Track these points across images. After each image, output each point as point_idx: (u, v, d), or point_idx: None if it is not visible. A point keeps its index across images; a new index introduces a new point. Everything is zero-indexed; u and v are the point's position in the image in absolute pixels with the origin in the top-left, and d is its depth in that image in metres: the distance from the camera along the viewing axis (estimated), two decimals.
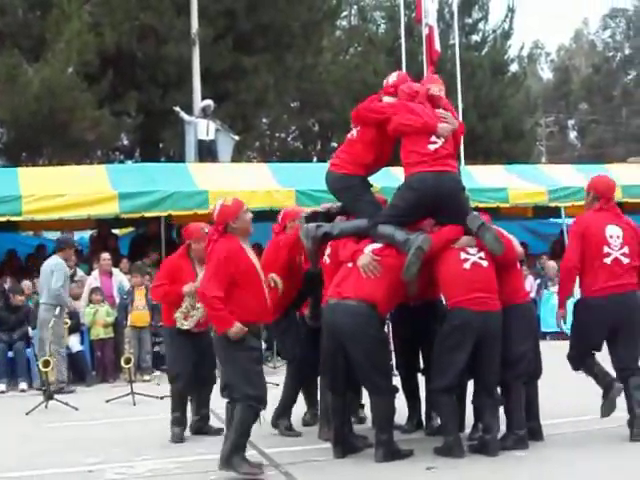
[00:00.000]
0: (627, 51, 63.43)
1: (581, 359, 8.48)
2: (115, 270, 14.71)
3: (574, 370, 8.49)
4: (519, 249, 8.22)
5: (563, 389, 10.04)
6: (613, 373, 8.22)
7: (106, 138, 22.83)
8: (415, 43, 27.72)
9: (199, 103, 21.11)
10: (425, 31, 22.52)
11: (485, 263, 7.74)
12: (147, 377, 13.30)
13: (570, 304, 8.54)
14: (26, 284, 14.18)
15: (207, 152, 19.52)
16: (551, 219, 19.80)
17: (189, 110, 20.99)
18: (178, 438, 8.84)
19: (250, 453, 8.10)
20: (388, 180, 10.93)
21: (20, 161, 21.75)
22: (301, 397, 9.26)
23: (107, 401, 11.22)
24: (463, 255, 7.75)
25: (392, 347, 8.85)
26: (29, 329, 12.70)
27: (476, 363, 7.66)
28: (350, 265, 7.76)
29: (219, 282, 7.14)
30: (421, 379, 8.67)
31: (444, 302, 8.14)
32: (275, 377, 12.40)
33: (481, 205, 14.72)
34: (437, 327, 8.12)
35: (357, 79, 26.86)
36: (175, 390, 9.04)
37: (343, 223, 8.20)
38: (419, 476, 7.08)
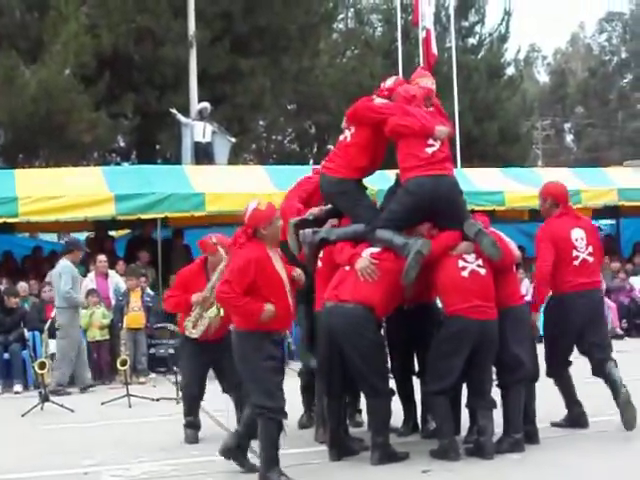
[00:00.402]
0: (623, 55, 63.51)
1: (558, 366, 8.64)
2: (111, 272, 14.70)
3: (548, 376, 8.50)
4: (516, 253, 8.23)
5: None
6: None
7: (103, 140, 22.80)
8: (412, 46, 27.82)
9: (196, 105, 21.11)
10: (422, 34, 22.60)
11: (483, 271, 7.75)
12: (143, 379, 13.28)
13: None
14: (22, 286, 14.16)
15: (204, 154, 19.52)
16: None
17: (186, 112, 20.98)
18: (192, 439, 8.86)
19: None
20: (384, 183, 10.92)
21: (17, 163, 21.71)
22: (298, 399, 9.26)
23: (103, 403, 11.21)
24: (462, 263, 7.75)
25: (387, 350, 8.84)
26: (25, 331, 12.68)
27: (471, 367, 7.68)
28: (347, 268, 7.76)
29: (237, 284, 6.94)
30: (416, 382, 8.66)
31: (440, 307, 8.16)
32: None
33: (477, 208, 14.73)
34: (432, 330, 8.14)
35: (354, 82, 26.85)
36: (185, 396, 9.11)
37: (340, 228, 8.19)
38: (415, 479, 7.09)
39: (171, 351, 13.91)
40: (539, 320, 8.59)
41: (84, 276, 14.66)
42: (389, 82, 8.57)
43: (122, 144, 27.09)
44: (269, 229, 7.18)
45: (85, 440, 9.17)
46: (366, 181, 8.48)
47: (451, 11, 27.70)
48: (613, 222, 21.99)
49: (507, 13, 34.05)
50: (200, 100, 21.32)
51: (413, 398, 8.76)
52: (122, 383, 11.71)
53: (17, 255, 17.55)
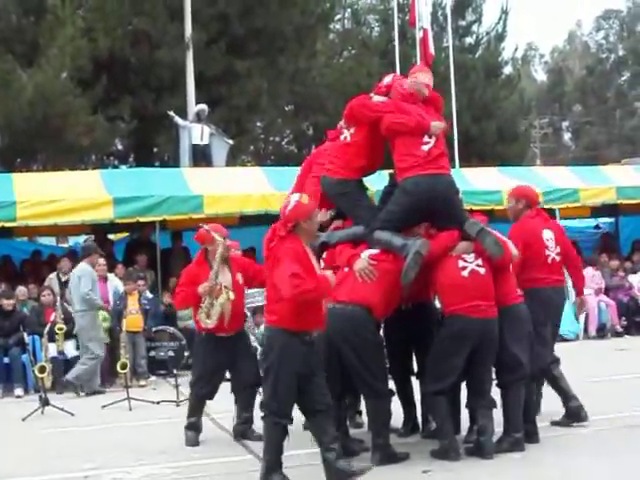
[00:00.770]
0: (621, 52, 63.60)
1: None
2: (110, 275, 14.68)
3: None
4: (513, 251, 8.23)
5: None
6: None
7: (100, 143, 22.78)
8: (409, 46, 27.79)
9: (193, 107, 21.09)
10: (419, 34, 22.59)
11: (483, 270, 7.76)
12: (143, 382, 13.27)
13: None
14: (21, 290, 14.14)
15: (201, 156, 19.51)
16: None
17: (183, 114, 20.97)
18: (193, 442, 8.83)
19: (246, 457, 8.15)
20: (382, 184, 10.91)
21: (14, 167, 21.70)
22: None
23: (103, 406, 11.21)
24: (461, 263, 7.76)
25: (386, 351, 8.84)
26: (24, 335, 12.67)
27: (470, 367, 7.68)
28: (346, 270, 7.77)
29: (297, 270, 6.73)
30: (415, 382, 8.66)
31: (440, 308, 8.15)
32: None
33: (475, 207, 14.72)
34: (431, 330, 8.14)
35: (351, 82, 26.79)
36: (193, 394, 9.00)
37: (340, 232, 8.21)
38: (415, 479, 7.08)
39: (171, 354, 13.91)
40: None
41: None
42: (387, 79, 8.60)
43: (120, 147, 27.07)
44: (308, 223, 7.06)
45: (86, 443, 9.17)
46: (365, 181, 8.48)
47: (448, 10, 27.70)
48: (612, 220, 22.00)
49: (504, 12, 34.04)
50: (197, 102, 21.31)
51: (413, 399, 8.76)
52: (122, 386, 11.71)
53: (16, 259, 17.54)
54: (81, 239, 19.46)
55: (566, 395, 8.85)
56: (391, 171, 8.33)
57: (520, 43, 69.97)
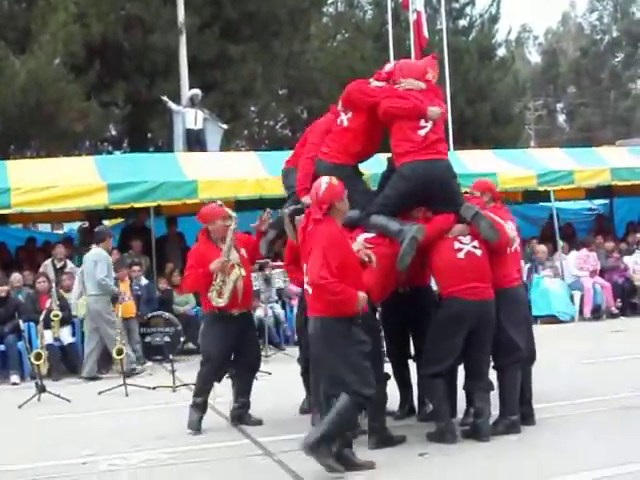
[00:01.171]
0: (615, 34, 63.46)
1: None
2: None
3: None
4: (511, 234, 8.23)
5: (553, 373, 10.08)
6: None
7: (94, 129, 22.72)
8: (402, 29, 27.80)
9: (187, 92, 21.04)
10: (413, 17, 22.55)
11: (479, 252, 7.76)
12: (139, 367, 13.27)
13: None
14: (16, 277, 14.12)
15: (195, 141, 19.48)
16: (540, 203, 19.84)
17: (177, 99, 20.93)
18: (196, 427, 8.66)
19: (243, 442, 8.16)
20: (378, 167, 10.90)
21: (8, 154, 21.66)
22: (300, 385, 9.29)
23: (100, 393, 11.20)
24: (457, 245, 7.77)
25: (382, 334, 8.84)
26: (20, 322, 12.66)
27: (468, 349, 7.69)
28: None
29: (329, 268, 6.75)
30: (412, 365, 8.67)
31: (436, 290, 8.16)
32: (267, 366, 12.47)
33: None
34: (428, 313, 8.14)
35: (345, 66, 26.77)
36: (202, 373, 8.84)
37: None
38: (412, 462, 7.11)
39: (167, 339, 13.92)
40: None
41: (78, 266, 14.66)
42: (388, 66, 8.60)
43: (113, 133, 27.04)
44: (342, 204, 7.11)
45: (82, 430, 9.17)
46: (361, 165, 8.48)
47: None
48: (606, 202, 22.02)
49: None
50: (191, 87, 21.27)
51: (409, 381, 8.77)
52: (118, 372, 11.71)
53: (10, 246, 17.52)
54: (75, 225, 19.50)
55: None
56: (389, 155, 8.32)
57: (514, 25, 69.89)
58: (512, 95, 36.25)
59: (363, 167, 8.62)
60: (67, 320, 13.43)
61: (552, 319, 16.53)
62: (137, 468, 7.51)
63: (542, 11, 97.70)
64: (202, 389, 8.83)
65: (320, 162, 8.29)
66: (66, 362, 13.32)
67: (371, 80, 8.37)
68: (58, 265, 14.63)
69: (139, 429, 9.02)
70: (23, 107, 19.74)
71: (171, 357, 11.67)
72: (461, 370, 8.10)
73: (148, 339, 13.95)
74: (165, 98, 20.21)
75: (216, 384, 8.94)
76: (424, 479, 6.64)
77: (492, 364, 7.98)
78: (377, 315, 8.40)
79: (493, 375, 7.95)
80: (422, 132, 7.87)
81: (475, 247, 7.77)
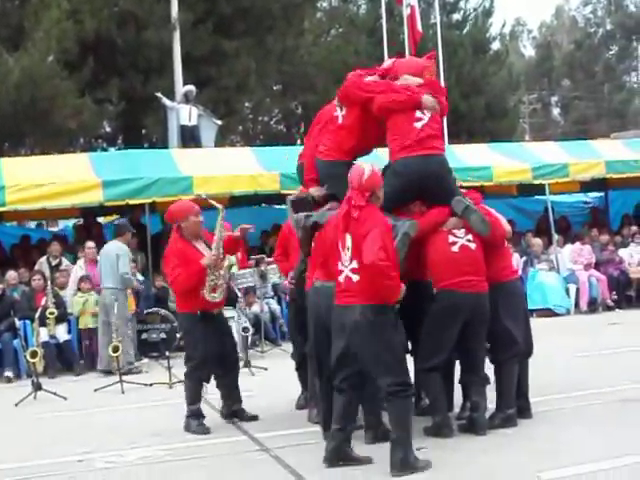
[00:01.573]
0: (608, 26, 63.57)
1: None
2: None
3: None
4: (507, 227, 8.22)
5: (549, 366, 10.09)
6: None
7: (88, 126, 22.69)
8: (396, 23, 27.75)
9: (181, 88, 21.03)
10: (406, 11, 22.50)
11: (473, 245, 7.75)
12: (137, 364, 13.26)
13: None
14: (11, 274, 14.09)
15: (190, 137, 19.47)
16: (535, 196, 19.85)
17: (171, 96, 20.91)
18: (206, 429, 8.49)
19: (240, 438, 8.16)
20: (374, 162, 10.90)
21: (2, 151, 21.62)
22: (296, 380, 9.30)
23: (96, 390, 11.21)
24: (451, 238, 7.76)
25: None
26: (15, 320, 12.64)
27: (463, 342, 7.68)
28: None
29: (387, 251, 6.69)
30: (409, 359, 8.67)
31: (432, 284, 8.14)
32: (263, 361, 12.49)
33: (465, 184, 14.72)
34: (425, 307, 8.13)
35: (339, 60, 26.73)
36: (196, 379, 8.62)
37: (331, 212, 8.18)
38: None
39: (163, 336, 13.91)
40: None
41: (73, 263, 14.65)
42: (387, 63, 8.59)
43: (108, 129, 27.01)
44: (381, 192, 7.05)
45: (79, 427, 9.17)
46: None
47: None
48: (601, 195, 22.03)
49: None
50: (185, 83, 21.24)
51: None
52: (114, 370, 11.70)
53: (5, 244, 17.50)
54: (71, 223, 19.48)
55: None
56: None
57: (508, 18, 69.72)
58: (506, 89, 36.27)
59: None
60: (63, 318, 13.41)
61: (548, 312, 16.55)
62: (133, 465, 7.50)
63: (536, 4, 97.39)
64: (198, 395, 8.70)
65: (317, 161, 8.30)
66: (62, 360, 13.30)
67: (367, 77, 8.35)
68: (53, 262, 14.61)
69: (135, 426, 9.01)
70: (17, 104, 19.70)
71: (167, 354, 11.65)
72: (457, 364, 8.10)
73: (144, 336, 13.93)
74: (159, 94, 20.19)
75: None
76: (421, 472, 6.62)
77: (489, 357, 7.99)
78: None
79: (489, 369, 7.95)
80: (418, 124, 7.84)
81: (469, 240, 7.76)
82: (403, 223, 7.58)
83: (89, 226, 17.60)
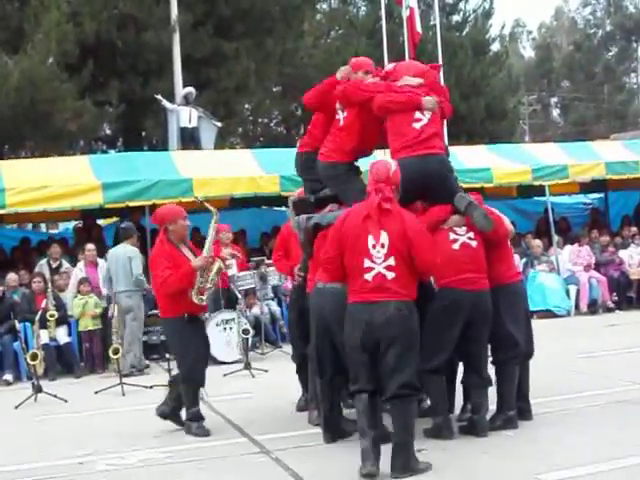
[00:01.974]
0: (608, 28, 63.63)
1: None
2: (100, 261, 14.64)
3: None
4: (509, 226, 8.22)
5: (550, 368, 10.09)
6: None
7: (88, 128, 22.68)
8: (396, 25, 27.74)
9: (181, 90, 21.04)
10: (406, 13, 22.48)
11: (474, 243, 7.75)
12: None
13: None
14: (12, 277, 14.10)
15: (190, 139, 19.46)
16: (535, 198, 19.87)
17: (171, 98, 20.91)
18: (207, 432, 8.50)
19: (240, 440, 8.16)
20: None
21: (2, 154, 21.64)
22: (297, 382, 9.30)
23: (96, 392, 11.20)
24: (452, 236, 7.76)
25: None
26: (16, 322, 12.64)
27: (466, 343, 7.67)
28: None
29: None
30: None
31: (433, 283, 8.14)
32: (263, 363, 12.49)
33: (465, 186, 14.73)
34: (427, 308, 8.13)
35: (339, 62, 26.42)
36: (193, 382, 8.60)
37: (331, 213, 8.19)
38: None
39: (163, 338, 13.88)
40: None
41: (73, 265, 14.65)
42: (389, 66, 8.62)
43: (108, 132, 27.00)
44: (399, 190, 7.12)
45: (79, 430, 9.17)
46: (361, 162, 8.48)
47: None
48: (601, 196, 22.04)
49: None
50: (185, 85, 21.26)
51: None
52: (115, 372, 11.70)
53: (6, 246, 17.51)
54: (71, 225, 19.49)
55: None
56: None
57: (507, 20, 69.77)
58: (506, 90, 36.28)
59: (364, 164, 8.60)
60: (63, 320, 13.42)
61: (548, 314, 16.54)
62: (134, 468, 7.51)
63: (535, 6, 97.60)
64: (196, 399, 8.68)
65: (318, 162, 8.31)
66: (62, 362, 13.32)
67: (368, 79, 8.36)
68: (54, 265, 14.61)
69: (136, 428, 9.00)
70: (17, 107, 19.70)
71: (167, 356, 11.62)
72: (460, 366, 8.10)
73: (145, 338, 13.92)
74: (159, 97, 20.18)
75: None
76: (422, 475, 6.62)
77: (490, 359, 7.98)
78: None
79: (490, 370, 7.95)
80: (418, 125, 7.85)
81: (470, 238, 7.76)
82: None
83: (89, 228, 17.60)
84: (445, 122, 21.23)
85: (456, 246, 7.73)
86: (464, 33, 34.01)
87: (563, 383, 9.68)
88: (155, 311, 14.03)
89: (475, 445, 7.41)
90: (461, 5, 34.80)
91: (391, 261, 6.74)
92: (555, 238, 17.90)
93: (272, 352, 13.87)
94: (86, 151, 24.06)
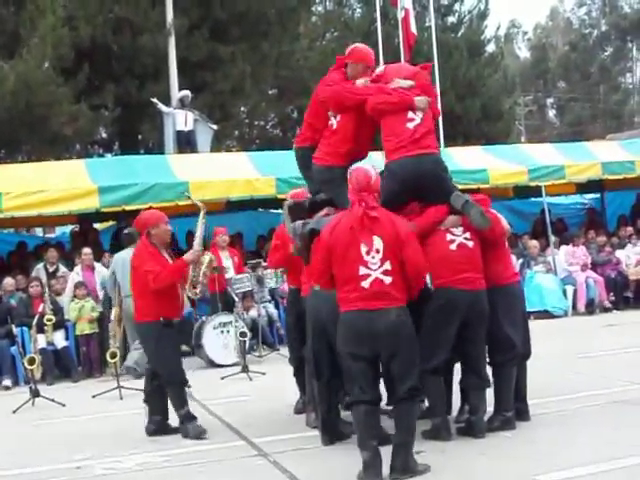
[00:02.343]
0: (603, 28, 63.70)
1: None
2: (97, 265, 14.65)
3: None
4: (506, 226, 8.22)
5: (547, 368, 10.09)
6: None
7: (84, 132, 22.68)
8: (391, 26, 27.75)
9: (176, 94, 21.03)
10: (401, 14, 22.52)
11: (471, 243, 7.74)
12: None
13: None
14: (8, 281, 14.10)
15: (186, 143, 19.47)
16: (532, 198, 19.87)
17: (167, 101, 20.90)
18: (203, 430, 8.49)
19: (238, 443, 8.16)
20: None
21: None
22: (294, 385, 9.30)
23: (94, 396, 11.19)
24: (449, 236, 7.75)
25: None
26: (13, 327, 12.63)
27: (463, 344, 7.67)
28: None
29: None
30: None
31: (429, 284, 8.14)
32: (261, 366, 12.49)
33: (461, 187, 14.71)
34: (424, 310, 8.13)
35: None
36: (178, 384, 8.58)
37: (327, 218, 8.18)
38: None
39: None
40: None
41: (70, 270, 14.64)
42: (379, 69, 8.61)
43: (104, 135, 27.01)
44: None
45: (77, 434, 9.15)
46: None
47: None
48: (598, 196, 22.05)
49: None
50: (181, 88, 21.27)
51: None
52: (112, 376, 11.69)
53: (2, 251, 17.50)
54: (68, 229, 19.48)
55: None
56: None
57: (502, 21, 70.02)
58: (502, 91, 36.30)
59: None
60: (60, 324, 13.41)
61: (545, 314, 16.55)
62: (132, 471, 7.49)
63: (530, 6, 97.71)
64: (184, 399, 8.66)
65: (313, 165, 8.31)
66: (60, 366, 13.32)
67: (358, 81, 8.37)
68: (50, 269, 14.61)
69: (134, 432, 8.96)
70: (13, 111, 19.69)
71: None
72: (457, 367, 8.10)
73: None
74: (155, 100, 20.18)
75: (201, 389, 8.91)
76: (420, 477, 6.62)
77: (488, 360, 7.98)
78: None
79: (488, 371, 7.95)
80: (411, 125, 7.85)
81: (467, 239, 7.76)
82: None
83: (85, 232, 17.60)
84: (441, 123, 21.38)
85: (453, 247, 7.72)
86: (459, 34, 34.06)
87: (561, 384, 9.68)
88: None
89: (473, 446, 7.40)
90: (456, 6, 34.85)
91: (387, 265, 6.72)
92: (552, 239, 17.91)
93: (269, 355, 13.87)
94: (82, 155, 24.07)
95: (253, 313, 14.23)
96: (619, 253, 18.19)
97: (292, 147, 9.04)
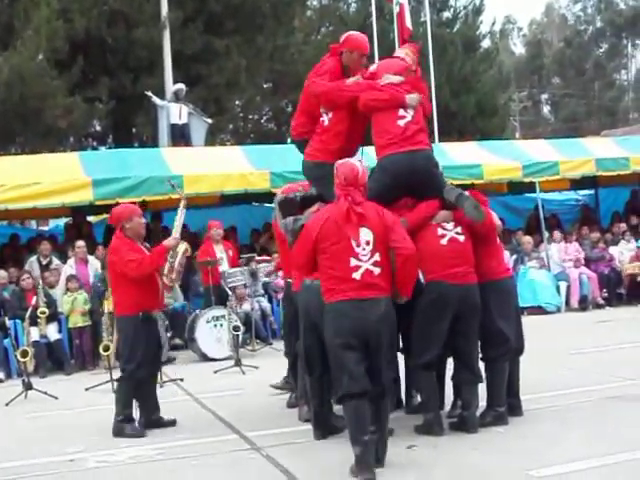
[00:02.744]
0: (598, 24, 63.75)
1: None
2: (90, 257, 14.65)
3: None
4: (497, 221, 8.23)
5: (540, 364, 10.10)
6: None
7: (78, 125, 22.68)
8: (386, 21, 27.76)
9: (171, 87, 21.01)
10: (396, 9, 22.51)
11: (462, 238, 7.75)
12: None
13: None
14: (1, 274, 14.06)
15: (180, 136, 19.46)
16: (526, 194, 19.89)
17: (161, 94, 20.88)
18: (141, 432, 8.49)
19: (231, 437, 8.16)
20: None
21: None
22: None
23: (87, 389, 11.19)
24: (440, 231, 7.75)
25: None
26: (5, 319, 12.62)
27: (455, 338, 7.67)
28: None
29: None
30: (400, 357, 8.67)
31: (421, 278, 8.14)
32: (254, 360, 12.49)
33: (455, 182, 14.73)
34: (416, 305, 8.13)
35: None
36: (133, 382, 8.56)
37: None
38: (400, 455, 7.09)
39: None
40: None
41: (63, 262, 14.62)
42: (373, 67, 8.62)
43: (98, 128, 26.98)
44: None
45: (70, 427, 9.14)
46: None
47: None
48: (592, 192, 22.08)
49: None
50: (175, 82, 21.24)
51: (397, 374, 8.76)
52: (105, 368, 11.67)
53: None
54: (61, 222, 19.44)
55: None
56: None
57: (498, 16, 69.89)
58: (497, 86, 36.33)
59: None
60: (53, 317, 13.40)
61: (538, 310, 16.57)
62: (125, 464, 7.49)
63: (526, 2, 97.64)
64: (131, 399, 8.65)
65: (304, 162, 8.34)
66: (52, 359, 13.30)
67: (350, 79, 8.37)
68: (43, 262, 14.59)
69: None
70: (6, 103, 19.67)
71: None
72: (450, 362, 8.11)
73: None
74: (149, 93, 20.16)
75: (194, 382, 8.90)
76: (412, 471, 6.63)
77: (480, 355, 7.99)
78: None
79: (481, 366, 7.96)
80: (402, 122, 7.87)
81: (458, 233, 7.76)
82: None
83: (79, 225, 17.56)
84: (435, 119, 21.38)
85: (444, 241, 7.73)
86: (454, 30, 34.04)
87: (554, 379, 9.69)
88: None
89: (465, 441, 7.41)
90: (451, 2, 34.88)
91: (377, 257, 6.78)
92: (546, 234, 17.93)
93: (262, 349, 13.87)
94: (76, 148, 24.02)
95: (246, 307, 14.22)
96: (612, 249, 18.21)
97: (287, 141, 9.05)
